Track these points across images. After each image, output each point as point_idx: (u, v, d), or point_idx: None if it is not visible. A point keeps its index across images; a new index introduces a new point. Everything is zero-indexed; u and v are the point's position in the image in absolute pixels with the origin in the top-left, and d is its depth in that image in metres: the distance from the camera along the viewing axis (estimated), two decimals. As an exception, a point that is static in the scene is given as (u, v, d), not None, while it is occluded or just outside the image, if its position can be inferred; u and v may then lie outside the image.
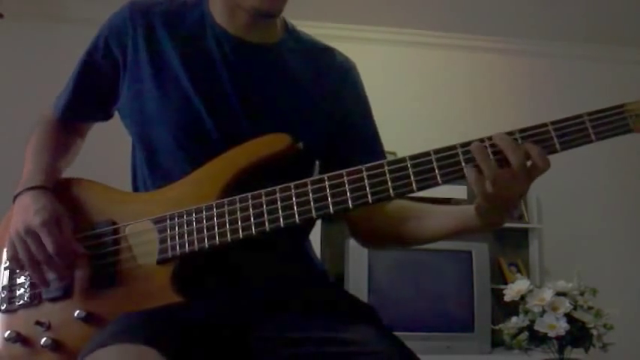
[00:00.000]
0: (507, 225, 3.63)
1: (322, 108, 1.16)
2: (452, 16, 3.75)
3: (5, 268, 1.13)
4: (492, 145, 0.94)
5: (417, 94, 3.86)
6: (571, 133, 0.93)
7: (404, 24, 3.82)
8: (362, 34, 3.77)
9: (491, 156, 0.93)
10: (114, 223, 1.07)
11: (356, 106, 1.23)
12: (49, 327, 1.04)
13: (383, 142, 1.24)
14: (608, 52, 4.04)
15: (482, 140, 0.95)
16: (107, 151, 2.28)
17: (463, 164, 0.94)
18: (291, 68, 1.16)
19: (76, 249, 1.05)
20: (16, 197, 1.12)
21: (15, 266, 1.08)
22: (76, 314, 1.02)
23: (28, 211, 1.06)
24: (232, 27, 1.13)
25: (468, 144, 0.95)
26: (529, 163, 0.93)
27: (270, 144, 1.06)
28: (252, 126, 1.08)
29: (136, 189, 1.18)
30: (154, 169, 1.12)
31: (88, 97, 1.21)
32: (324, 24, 3.40)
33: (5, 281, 1.11)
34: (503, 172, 0.92)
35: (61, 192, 1.13)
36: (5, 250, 1.14)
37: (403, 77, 3.86)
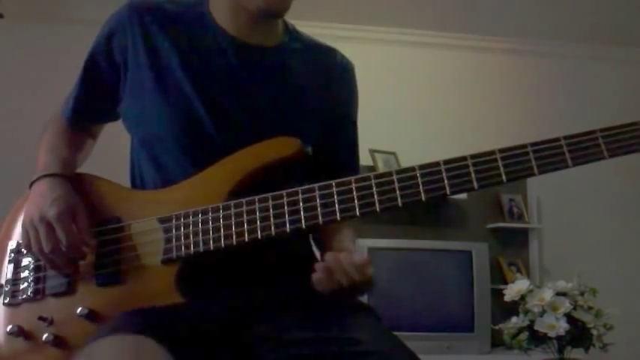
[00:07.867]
0: (507, 225, 3.67)
1: (320, 109, 1.16)
2: (453, 16, 3.75)
3: (10, 262, 1.12)
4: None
5: (418, 94, 3.85)
6: (583, 149, 0.92)
7: (404, 24, 3.82)
8: (362, 34, 3.77)
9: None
10: (120, 221, 1.07)
11: (347, 110, 1.23)
12: (51, 322, 1.04)
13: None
14: (612, 53, 4.03)
15: None
16: (107, 149, 2.27)
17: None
18: (292, 70, 1.15)
19: (90, 243, 1.05)
20: (32, 184, 1.11)
21: (28, 253, 1.08)
22: (78, 311, 1.02)
23: (44, 199, 1.05)
24: (234, 28, 1.12)
25: (478, 155, 0.94)
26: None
27: (279, 148, 1.05)
28: (253, 129, 1.08)
29: (133, 188, 1.17)
30: (155, 170, 1.12)
31: (94, 99, 1.20)
32: (324, 24, 3.40)
33: (9, 275, 1.11)
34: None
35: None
36: (9, 243, 1.14)
37: (404, 77, 3.86)
